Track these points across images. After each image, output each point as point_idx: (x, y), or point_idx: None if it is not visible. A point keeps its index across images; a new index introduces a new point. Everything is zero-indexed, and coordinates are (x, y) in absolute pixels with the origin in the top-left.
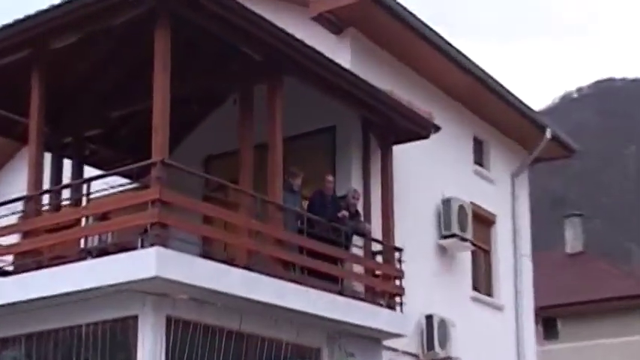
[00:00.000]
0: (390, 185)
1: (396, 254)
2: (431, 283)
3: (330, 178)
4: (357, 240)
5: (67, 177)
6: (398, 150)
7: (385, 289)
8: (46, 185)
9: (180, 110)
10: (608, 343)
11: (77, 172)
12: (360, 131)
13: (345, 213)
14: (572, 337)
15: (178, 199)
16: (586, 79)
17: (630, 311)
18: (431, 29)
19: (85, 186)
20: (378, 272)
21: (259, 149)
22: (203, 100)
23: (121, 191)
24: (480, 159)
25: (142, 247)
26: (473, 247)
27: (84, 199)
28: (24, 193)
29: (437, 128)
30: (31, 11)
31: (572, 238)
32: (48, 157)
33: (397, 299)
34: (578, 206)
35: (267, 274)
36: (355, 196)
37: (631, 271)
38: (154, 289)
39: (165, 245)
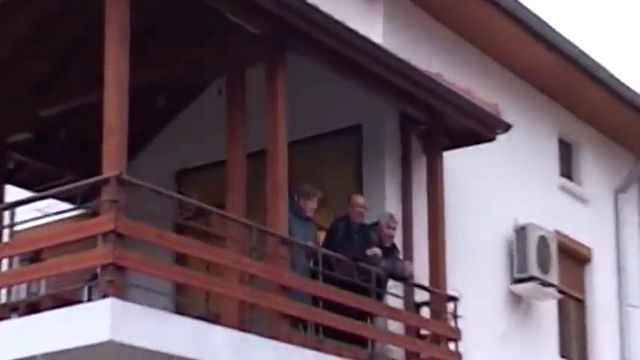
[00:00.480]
0: (440, 208)
1: (450, 306)
2: (500, 347)
3: (361, 200)
4: (393, 286)
5: None
6: (450, 158)
7: (435, 355)
8: None
9: (143, 105)
10: None
11: None
12: (397, 132)
13: (376, 250)
14: None
15: (141, 230)
16: None
17: None
18: None
19: (7, 213)
20: (424, 332)
21: (255, 159)
22: (175, 90)
23: (60, 220)
24: (568, 170)
25: (90, 299)
26: (560, 295)
27: (5, 233)
28: None
29: (507, 127)
30: None
31: None
32: None
33: None
34: None
35: (267, 336)
36: (391, 224)
37: None
38: (108, 359)
39: (122, 296)
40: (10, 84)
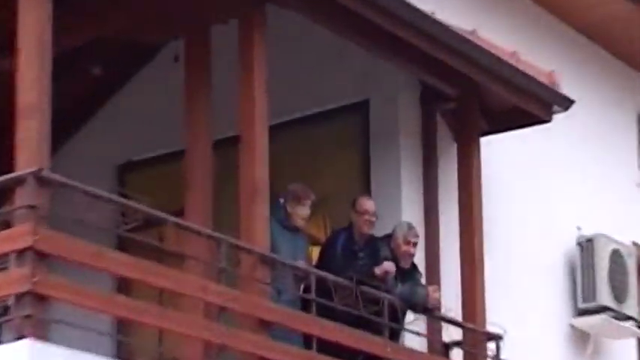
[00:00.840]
0: (476, 214)
1: (491, 346)
2: None
3: (370, 205)
4: (414, 319)
5: None
6: (489, 146)
7: None
8: None
9: (73, 76)
10: None
11: None
12: (417, 111)
13: (388, 267)
14: None
15: (69, 246)
16: None
17: None
18: None
19: None
20: None
21: (224, 147)
22: (116, 55)
23: None
24: None
25: (0, 340)
26: None
27: None
28: None
29: (567, 103)
30: None
31: None
32: None
33: None
34: None
35: None
36: (410, 238)
37: None
38: None
39: (43, 336)
40: None
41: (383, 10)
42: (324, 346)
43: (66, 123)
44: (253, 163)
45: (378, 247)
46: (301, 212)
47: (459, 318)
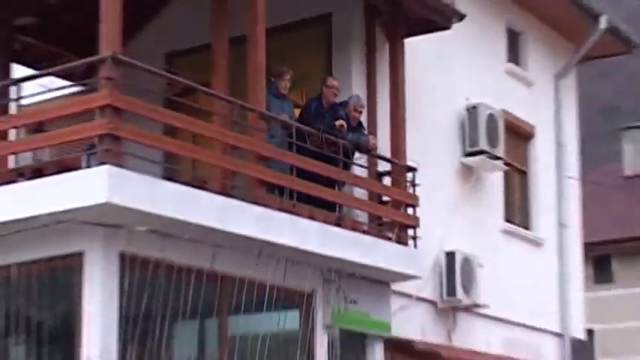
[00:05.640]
0: (401, 89)
1: (409, 175)
2: (452, 212)
3: (334, 82)
4: (359, 157)
5: None
6: (410, 45)
7: (395, 218)
8: None
9: None
10: None
11: (4, 71)
12: (362, 20)
13: (342, 122)
14: (629, 280)
15: (134, 104)
16: None
17: None
18: None
19: (14, 89)
20: (385, 198)
21: (237, 43)
22: None
23: (61, 96)
24: (514, 56)
25: (89, 165)
26: (505, 167)
27: (13, 106)
28: None
29: (461, 16)
30: None
31: (632, 157)
32: None
33: (410, 232)
34: (636, 116)
35: (247, 200)
36: (357, 105)
37: None
38: (104, 219)
39: (118, 163)
40: None
41: None
42: (301, 173)
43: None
44: (256, 54)
45: (337, 110)
46: (283, 83)
47: (388, 156)
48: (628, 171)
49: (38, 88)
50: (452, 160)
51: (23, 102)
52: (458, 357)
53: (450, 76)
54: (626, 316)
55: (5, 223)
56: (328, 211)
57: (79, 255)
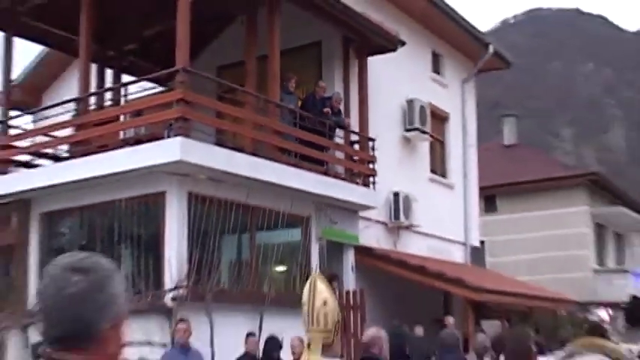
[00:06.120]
0: (365, 89)
1: (370, 143)
2: (397, 167)
3: (323, 84)
4: (339, 131)
5: (109, 83)
6: (372, 61)
7: (361, 170)
8: (92, 89)
9: (198, 29)
10: (534, 215)
11: (117, 79)
12: (341, 46)
13: (328, 109)
14: (507, 210)
15: (198, 98)
16: (521, 8)
17: (554, 189)
18: None
19: (123, 89)
20: (355, 157)
21: (261, 60)
22: (216, 20)
23: (152, 94)
24: (436, 68)
25: (169, 137)
26: (430, 139)
27: (122, 100)
28: (76, 96)
29: (402, 43)
30: None
31: (508, 133)
32: (94, 67)
33: (370, 179)
34: (512, 108)
35: (268, 159)
36: (338, 98)
37: (554, 158)
38: (179, 171)
39: (187, 135)
40: (127, 16)
41: (328, 2)
42: (303, 141)
43: (196, 48)
44: (273, 66)
45: (325, 101)
46: (291, 84)
47: (357, 130)
48: (506, 142)
49: (138, 89)
50: (397, 134)
51: (129, 97)
52: (401, 258)
53: (396, 80)
54: (504, 232)
55: (117, 173)
56: (320, 165)
57: (163, 193)
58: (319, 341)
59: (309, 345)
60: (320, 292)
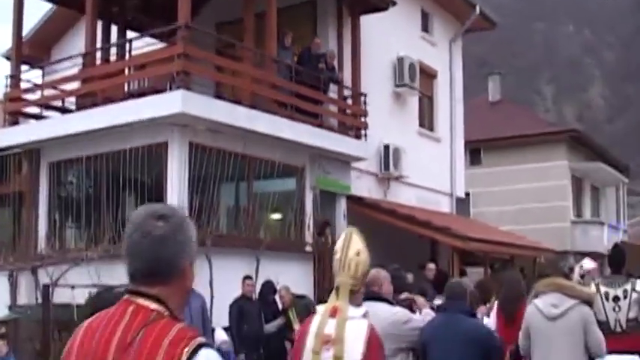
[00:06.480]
0: (358, 46)
1: (362, 98)
2: (388, 120)
3: (318, 40)
4: (333, 86)
5: (114, 39)
6: (364, 20)
7: (353, 123)
8: (98, 44)
9: None
10: (517, 169)
11: (122, 34)
12: (335, 4)
13: (323, 65)
14: (491, 163)
15: (198, 53)
16: None
17: (536, 144)
18: None
19: (127, 44)
20: (348, 111)
21: (259, 17)
22: None
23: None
24: (426, 28)
25: (171, 89)
26: (419, 94)
27: (127, 54)
28: (83, 51)
29: (394, 2)
30: None
31: (493, 90)
32: (100, 25)
33: (362, 132)
34: (497, 67)
35: (265, 111)
36: (332, 55)
37: (536, 114)
38: (180, 122)
39: (188, 88)
40: None
41: None
42: (298, 95)
43: (197, 6)
44: (270, 23)
45: (320, 57)
46: (287, 40)
47: (350, 85)
48: (491, 99)
49: (142, 44)
50: (388, 89)
51: (133, 52)
52: (390, 207)
53: (387, 38)
54: (487, 184)
55: (122, 125)
56: (314, 118)
57: (165, 143)
58: (347, 287)
59: (337, 289)
60: (355, 243)
